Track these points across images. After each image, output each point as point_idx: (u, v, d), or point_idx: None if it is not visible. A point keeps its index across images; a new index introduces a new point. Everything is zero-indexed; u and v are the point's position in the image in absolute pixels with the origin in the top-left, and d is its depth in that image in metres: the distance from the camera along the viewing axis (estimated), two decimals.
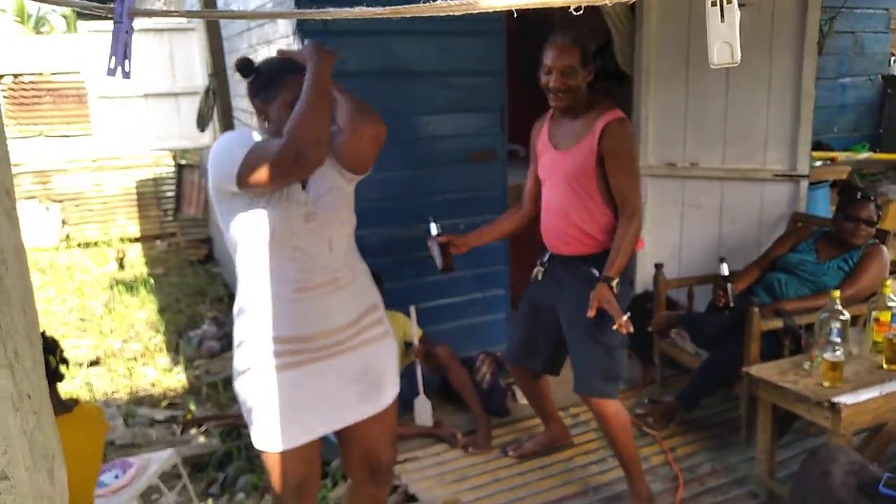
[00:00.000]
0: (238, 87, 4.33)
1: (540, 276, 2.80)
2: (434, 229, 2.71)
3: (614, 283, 2.43)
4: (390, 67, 3.41)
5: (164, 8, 10.22)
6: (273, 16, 3.14)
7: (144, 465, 2.83)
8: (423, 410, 3.38)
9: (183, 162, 7.86)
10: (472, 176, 3.69)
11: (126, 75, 1.00)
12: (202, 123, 3.30)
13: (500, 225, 2.94)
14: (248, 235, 1.86)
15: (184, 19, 5.51)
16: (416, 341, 3.41)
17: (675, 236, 4.09)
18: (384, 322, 2.10)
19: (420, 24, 3.45)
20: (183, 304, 6.33)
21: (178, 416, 4.17)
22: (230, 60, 3.81)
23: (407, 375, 3.42)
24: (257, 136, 1.87)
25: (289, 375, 1.90)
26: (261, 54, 4.09)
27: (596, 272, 2.54)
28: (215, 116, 3.22)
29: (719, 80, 3.84)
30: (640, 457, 2.80)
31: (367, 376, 2.02)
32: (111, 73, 0.97)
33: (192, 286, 6.82)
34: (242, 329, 1.94)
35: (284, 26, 3.46)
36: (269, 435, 1.93)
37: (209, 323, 5.56)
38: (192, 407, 4.31)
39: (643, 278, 4.08)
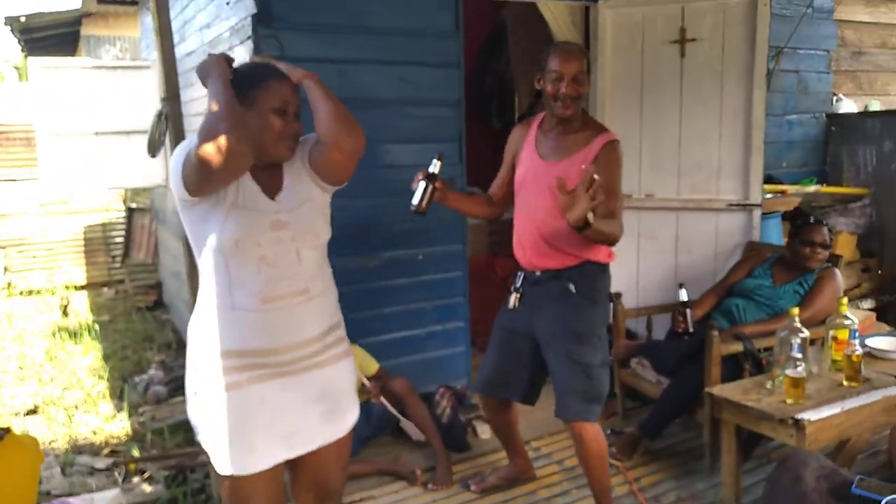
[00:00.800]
0: (198, 121, 4.26)
1: (517, 304, 2.68)
2: (435, 167, 2.51)
3: (591, 216, 2.23)
4: (349, 95, 3.34)
5: (120, 56, 10.17)
6: None
7: None
8: (411, 428, 3.33)
9: (133, 205, 7.68)
10: (431, 206, 3.64)
11: None
12: (153, 149, 3.21)
13: (475, 203, 2.86)
14: (212, 243, 1.77)
15: (139, 58, 5.44)
16: (365, 381, 3.30)
17: (633, 267, 4.09)
18: (346, 341, 2.01)
19: (379, 53, 3.47)
20: (129, 350, 6.09)
21: (121, 463, 3.94)
22: (185, 95, 3.75)
23: (364, 412, 3.30)
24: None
25: (255, 390, 1.78)
26: None
27: (572, 287, 2.50)
28: (167, 142, 3.14)
29: (673, 111, 3.91)
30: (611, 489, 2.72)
31: (328, 396, 1.91)
32: None
33: (139, 332, 6.58)
34: (200, 345, 1.83)
35: (241, 53, 3.43)
36: (237, 456, 1.78)
37: (156, 368, 5.34)
38: (136, 453, 4.08)
39: None
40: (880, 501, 1.46)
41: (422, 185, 2.48)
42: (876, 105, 5.23)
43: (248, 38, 3.35)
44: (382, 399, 3.30)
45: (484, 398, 2.93)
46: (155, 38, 3.08)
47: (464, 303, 3.81)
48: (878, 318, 3.83)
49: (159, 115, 3.13)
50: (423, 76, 3.60)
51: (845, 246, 4.33)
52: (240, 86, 1.77)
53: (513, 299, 2.70)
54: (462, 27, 3.67)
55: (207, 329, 1.81)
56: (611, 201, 2.42)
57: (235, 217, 1.76)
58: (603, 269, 2.60)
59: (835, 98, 5.03)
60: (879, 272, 4.46)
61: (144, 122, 5.66)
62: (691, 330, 3.12)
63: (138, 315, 7.09)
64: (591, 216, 2.21)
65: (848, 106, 5.03)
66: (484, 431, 3.51)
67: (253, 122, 1.76)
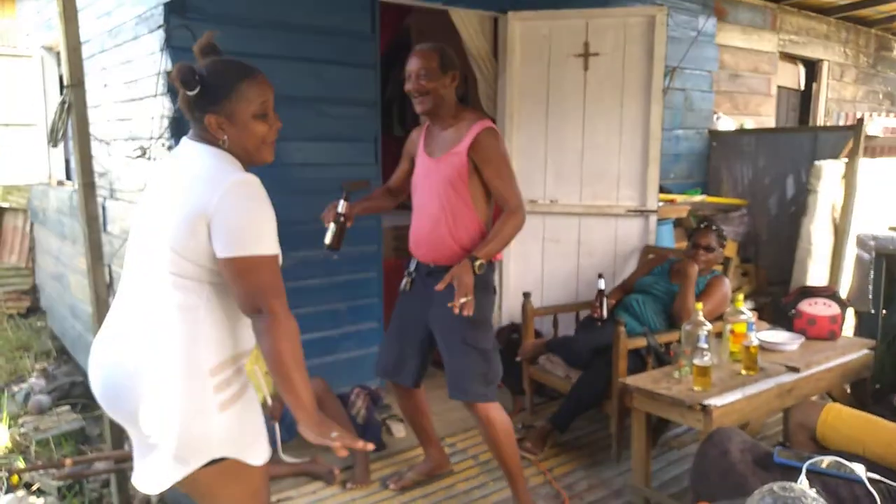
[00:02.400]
0: (93, 113, 4.04)
1: (408, 287, 2.81)
2: (342, 207, 2.60)
3: (478, 263, 2.45)
4: None
5: None
6: None
7: None
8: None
9: (5, 205, 7.13)
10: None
11: None
12: (54, 138, 3.03)
13: (377, 200, 2.93)
14: None
15: (19, 46, 5.10)
16: (268, 399, 3.24)
17: (537, 269, 4.25)
18: None
19: (294, 49, 3.44)
20: (2, 358, 5.65)
21: (12, 473, 3.65)
22: (90, 82, 3.55)
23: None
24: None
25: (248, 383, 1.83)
26: (116, 75, 3.87)
27: None
28: (70, 131, 2.98)
29: (576, 122, 4.11)
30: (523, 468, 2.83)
31: None
32: None
33: (12, 341, 6.10)
34: (208, 353, 1.70)
35: (150, 43, 3.31)
36: (263, 445, 1.81)
37: (37, 376, 4.99)
38: (21, 464, 3.80)
39: (509, 310, 4.19)
40: (801, 467, 1.62)
41: (332, 226, 2.60)
42: (749, 124, 5.70)
43: (159, 27, 3.23)
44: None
45: (390, 383, 3.02)
46: (60, 22, 2.92)
47: (378, 303, 3.83)
48: (760, 318, 4.16)
49: (62, 103, 2.97)
50: (339, 75, 3.61)
51: (727, 251, 4.68)
52: (209, 95, 1.66)
53: (405, 282, 2.83)
54: (378, 30, 3.71)
55: (213, 337, 1.71)
56: (502, 184, 2.59)
57: None
58: (490, 263, 2.71)
59: (715, 116, 5.43)
60: (758, 275, 4.86)
61: (27, 115, 5.33)
62: (605, 316, 3.32)
63: (10, 322, 6.58)
64: (476, 265, 2.45)
65: (726, 123, 5.45)
66: (399, 430, 3.54)
67: (235, 134, 1.69)
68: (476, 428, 3.56)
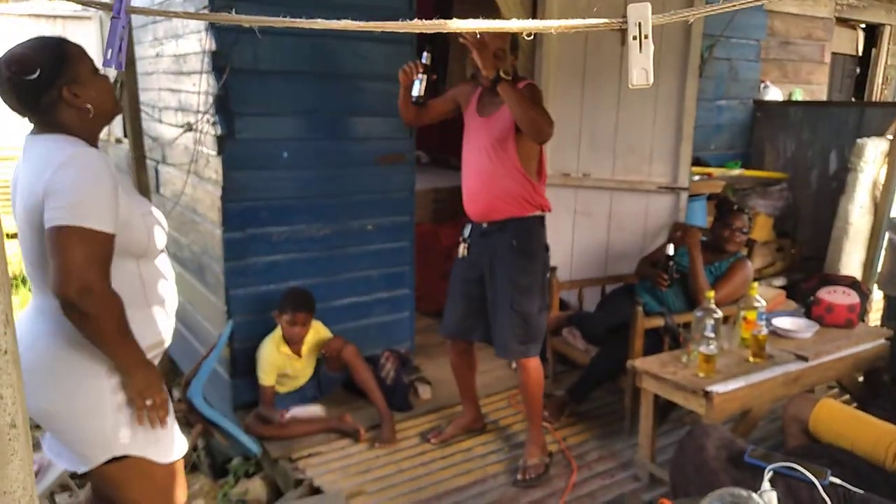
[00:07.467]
0: (147, 80, 4.26)
1: (465, 254, 3.03)
2: (427, 59, 2.81)
3: (503, 71, 2.69)
4: (303, 68, 3.47)
5: None
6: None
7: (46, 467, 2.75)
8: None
9: None
10: (380, 178, 3.80)
11: (119, 66, 1.08)
12: None
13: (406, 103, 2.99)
14: (136, 249, 1.82)
15: (78, 7, 5.31)
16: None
17: (567, 242, 4.34)
18: None
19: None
20: None
21: None
22: (138, 51, 3.75)
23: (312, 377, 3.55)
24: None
25: None
26: (167, 48, 4.05)
27: (515, 243, 2.83)
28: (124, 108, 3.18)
29: (611, 97, 4.13)
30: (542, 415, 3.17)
31: None
32: (107, 63, 1.06)
33: None
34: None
35: (196, 21, 3.46)
36: (170, 442, 1.88)
37: None
38: None
39: None
40: (765, 468, 1.74)
41: (423, 77, 2.80)
42: (799, 93, 5.57)
43: (204, 7, 3.37)
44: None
45: (451, 341, 3.25)
46: None
47: (409, 271, 4.00)
48: (788, 296, 4.19)
49: (115, 81, 3.17)
50: (376, 51, 3.69)
51: (763, 227, 4.67)
52: (50, 70, 1.63)
53: (462, 249, 3.07)
54: (416, 5, 3.77)
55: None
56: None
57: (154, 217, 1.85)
58: (541, 221, 2.96)
59: (762, 85, 5.33)
60: (793, 251, 4.84)
61: None
62: (671, 284, 3.44)
63: None
64: (502, 72, 2.67)
65: (774, 93, 5.34)
66: (425, 392, 3.74)
67: (92, 96, 1.69)
68: (498, 393, 3.80)
